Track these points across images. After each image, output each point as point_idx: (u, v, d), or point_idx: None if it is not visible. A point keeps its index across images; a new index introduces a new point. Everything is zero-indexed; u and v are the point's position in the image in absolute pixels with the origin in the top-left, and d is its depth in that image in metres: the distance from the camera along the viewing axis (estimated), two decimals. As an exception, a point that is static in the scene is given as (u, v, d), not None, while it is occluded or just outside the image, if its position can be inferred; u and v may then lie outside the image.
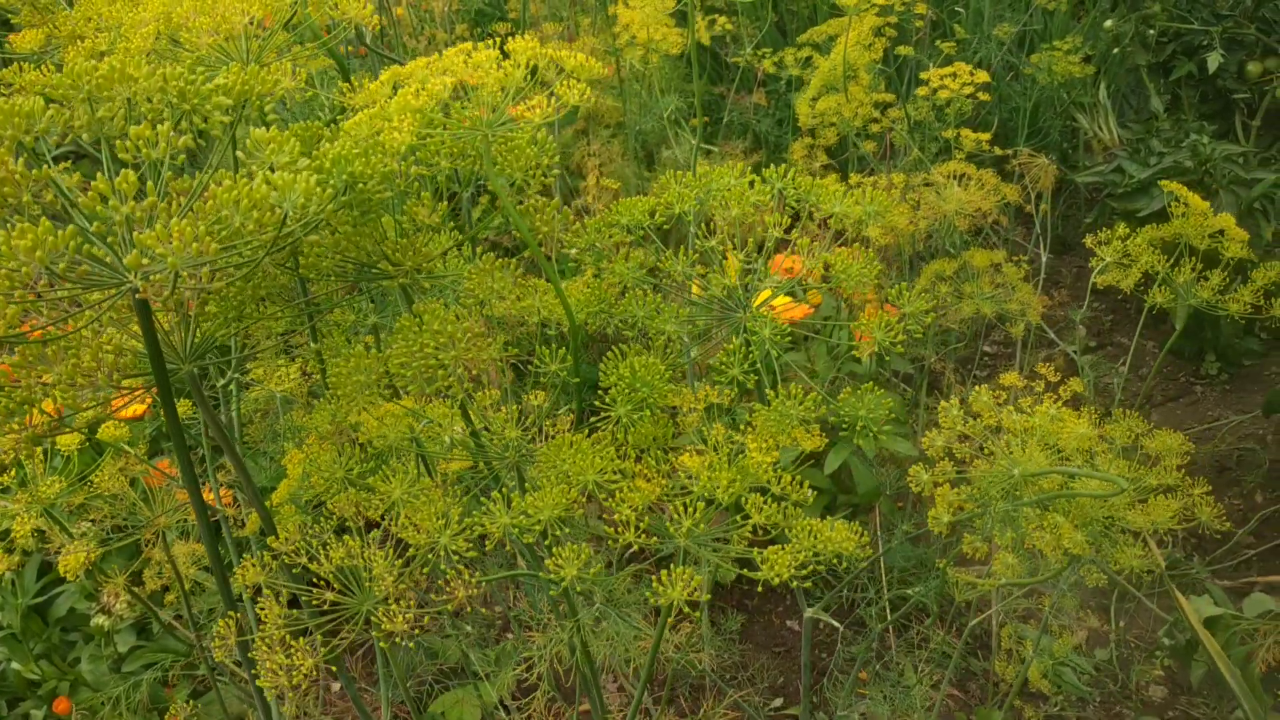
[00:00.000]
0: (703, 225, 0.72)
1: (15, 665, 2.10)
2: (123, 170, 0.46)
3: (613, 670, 1.99)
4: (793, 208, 0.76)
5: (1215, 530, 1.11)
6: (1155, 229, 1.39)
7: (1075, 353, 2.91)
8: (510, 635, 2.33)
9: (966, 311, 1.89)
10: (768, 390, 0.67)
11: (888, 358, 2.41)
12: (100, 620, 2.03)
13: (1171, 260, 1.38)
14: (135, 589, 1.62)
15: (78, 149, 0.55)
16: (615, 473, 0.67)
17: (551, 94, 0.62)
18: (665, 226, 0.74)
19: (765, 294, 0.74)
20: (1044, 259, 2.47)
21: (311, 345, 0.90)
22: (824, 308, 2.53)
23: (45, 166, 0.48)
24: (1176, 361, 3.13)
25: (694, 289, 0.78)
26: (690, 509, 0.66)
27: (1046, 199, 2.49)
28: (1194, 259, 1.36)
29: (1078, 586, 1.53)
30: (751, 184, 0.73)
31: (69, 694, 2.09)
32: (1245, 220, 2.84)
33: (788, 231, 0.76)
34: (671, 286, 0.73)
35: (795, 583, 0.64)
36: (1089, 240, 1.48)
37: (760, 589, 2.49)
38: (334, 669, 0.71)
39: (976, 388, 0.99)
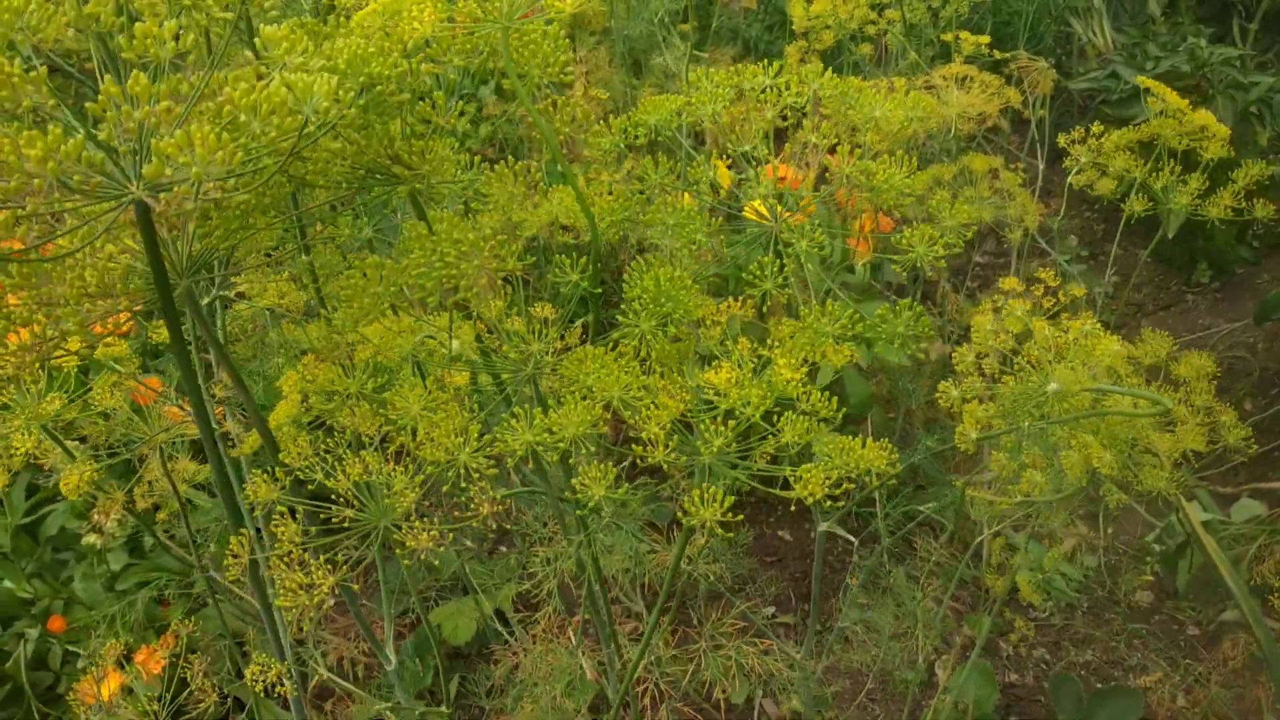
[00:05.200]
0: (734, 130, 0.69)
1: (8, 584, 2.09)
2: (134, 72, 0.42)
3: (610, 586, 2.00)
4: (786, 114, 0.73)
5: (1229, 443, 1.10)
6: (1132, 130, 1.33)
7: (1065, 262, 2.89)
8: (504, 549, 2.34)
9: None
10: (801, 308, 0.64)
11: (898, 265, 2.39)
12: (92, 539, 2.01)
13: (1154, 163, 1.33)
14: (129, 507, 1.60)
15: (51, 65, 0.51)
16: (640, 389, 0.65)
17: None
18: (697, 128, 0.70)
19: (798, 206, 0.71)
20: (1040, 168, 2.44)
21: (303, 259, 0.87)
22: (815, 217, 2.49)
23: (43, 69, 0.45)
24: (1168, 270, 3.12)
25: (685, 198, 0.74)
26: (719, 426, 0.64)
27: (1045, 105, 2.44)
28: (1173, 161, 1.31)
29: (1075, 499, 1.53)
30: (787, 84, 0.70)
31: (63, 612, 2.09)
32: (1242, 124, 2.80)
33: (824, 137, 0.72)
34: (698, 194, 0.70)
35: (828, 502, 0.62)
36: (1060, 138, 1.43)
37: (753, 501, 2.50)
38: (355, 586, 0.69)
39: (1010, 302, 0.97)
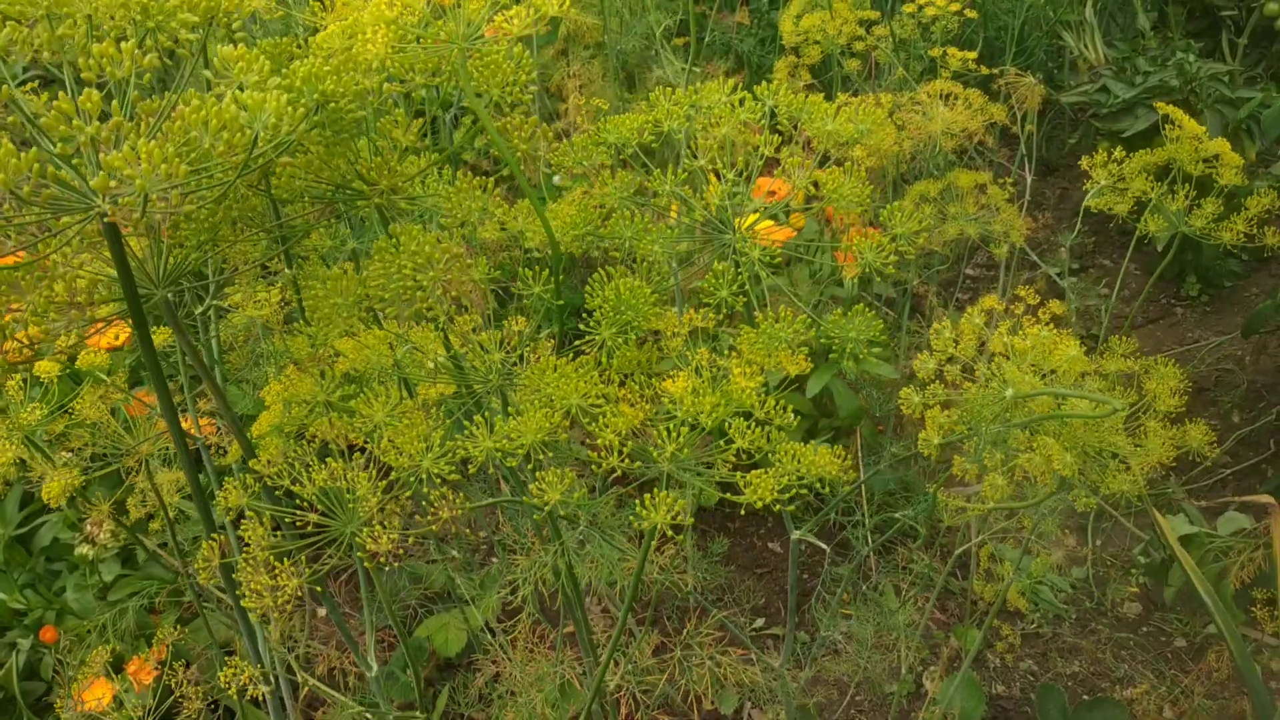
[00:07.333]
0: (691, 145, 0.71)
1: (1, 594, 2.11)
2: (86, 90, 0.44)
3: (597, 594, 2.01)
4: (779, 130, 0.75)
5: (1199, 453, 1.12)
6: (1148, 153, 1.36)
7: (1057, 275, 2.90)
8: (495, 560, 2.35)
9: (950, 233, 1.88)
10: (755, 313, 0.66)
11: (878, 277, 2.40)
12: (84, 550, 2.03)
13: (1165, 184, 1.35)
14: (119, 518, 1.62)
15: (46, 74, 0.53)
16: (599, 397, 0.67)
17: (530, 5, 0.60)
18: (655, 145, 0.72)
19: (753, 217, 0.73)
20: (1029, 181, 2.46)
21: (287, 271, 0.89)
22: (806, 231, 2.51)
23: (5, 87, 0.46)
24: (1157, 283, 3.14)
25: (672, 212, 0.76)
26: (674, 434, 0.66)
27: (1033, 119, 2.46)
28: (1187, 185, 1.33)
29: (1058, 510, 1.54)
30: (741, 101, 0.72)
31: (55, 623, 2.10)
32: (1230, 139, 2.82)
33: (776, 151, 0.74)
34: (659, 210, 0.72)
35: (778, 506, 0.63)
36: (1084, 162, 1.45)
37: (743, 512, 2.51)
38: (319, 589, 0.71)
39: (969, 309, 0.98)
